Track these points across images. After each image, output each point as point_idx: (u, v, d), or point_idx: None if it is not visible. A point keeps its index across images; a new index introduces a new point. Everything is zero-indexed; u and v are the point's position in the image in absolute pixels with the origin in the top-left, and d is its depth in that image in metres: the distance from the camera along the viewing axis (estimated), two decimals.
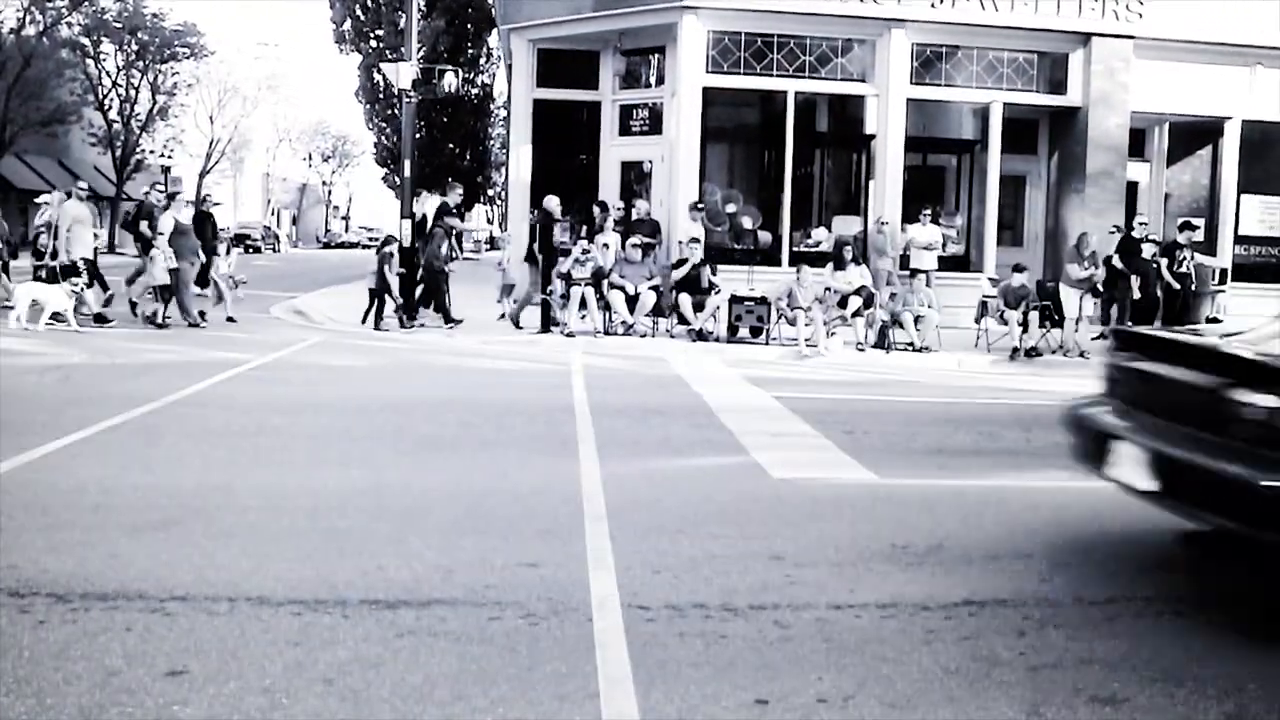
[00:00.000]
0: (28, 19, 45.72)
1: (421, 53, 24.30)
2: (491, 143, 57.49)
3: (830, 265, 17.51)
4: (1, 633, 4.46)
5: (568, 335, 16.83)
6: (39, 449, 7.94)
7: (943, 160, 23.42)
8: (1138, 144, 22.42)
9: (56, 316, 16.40)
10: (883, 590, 5.35)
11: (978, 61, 21.38)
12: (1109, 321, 17.82)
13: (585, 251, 17.48)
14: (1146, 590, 5.64)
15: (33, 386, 11.25)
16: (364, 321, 18.00)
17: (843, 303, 16.76)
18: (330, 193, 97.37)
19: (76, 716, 3.76)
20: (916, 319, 16.36)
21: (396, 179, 27.00)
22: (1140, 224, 18.68)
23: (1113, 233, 19.12)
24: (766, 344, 16.67)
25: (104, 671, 4.11)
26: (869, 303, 16.85)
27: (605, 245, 18.05)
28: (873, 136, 21.40)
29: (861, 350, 16.25)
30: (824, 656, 4.49)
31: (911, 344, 16.29)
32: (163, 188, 19.42)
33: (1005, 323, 16.54)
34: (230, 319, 18.09)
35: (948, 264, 20.62)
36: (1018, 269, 17.00)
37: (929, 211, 20.02)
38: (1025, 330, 16.34)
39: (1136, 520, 6.23)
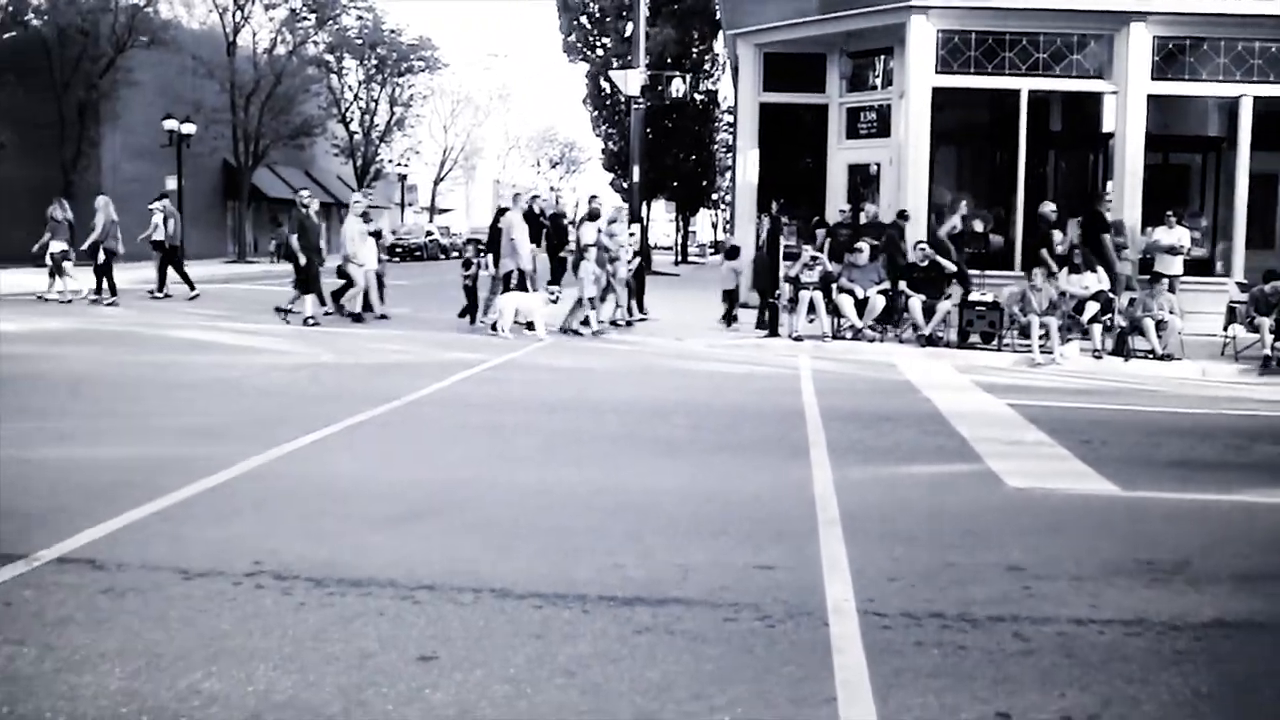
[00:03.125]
0: (279, 39, 48.34)
1: (648, 60, 24.64)
2: (716, 147, 57.76)
3: (1065, 269, 16.95)
4: (267, 613, 4.76)
5: (795, 339, 16.80)
6: (292, 443, 8.41)
7: (1186, 159, 22.40)
8: None
9: (530, 325, 17.34)
10: (1127, 607, 5.18)
11: (1225, 53, 20.37)
12: None
13: (814, 256, 17.41)
14: None
15: (284, 383, 11.91)
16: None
17: (1079, 308, 16.21)
18: (559, 199, 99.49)
19: (336, 695, 3.98)
20: (1158, 325, 15.69)
21: (624, 183, 27.41)
22: None
23: None
24: (998, 350, 16.28)
25: (359, 654, 4.34)
26: (1107, 308, 16.25)
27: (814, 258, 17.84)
28: (1110, 135, 20.65)
29: (1098, 357, 15.68)
30: (1067, 672, 4.38)
31: (1152, 351, 15.62)
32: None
33: (1255, 330, 15.69)
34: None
35: (1191, 268, 19.68)
36: (1271, 274, 16.10)
37: (1173, 213, 19.15)
38: (1278, 338, 15.47)
39: None
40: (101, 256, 21.99)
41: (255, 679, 4.08)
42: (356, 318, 18.74)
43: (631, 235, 19.36)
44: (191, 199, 43.03)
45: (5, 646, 4.32)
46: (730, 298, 19.34)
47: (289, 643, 4.44)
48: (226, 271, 37.99)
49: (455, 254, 60.16)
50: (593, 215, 18.08)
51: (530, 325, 17.20)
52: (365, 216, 19.53)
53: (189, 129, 40.72)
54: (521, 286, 17.74)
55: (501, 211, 19.06)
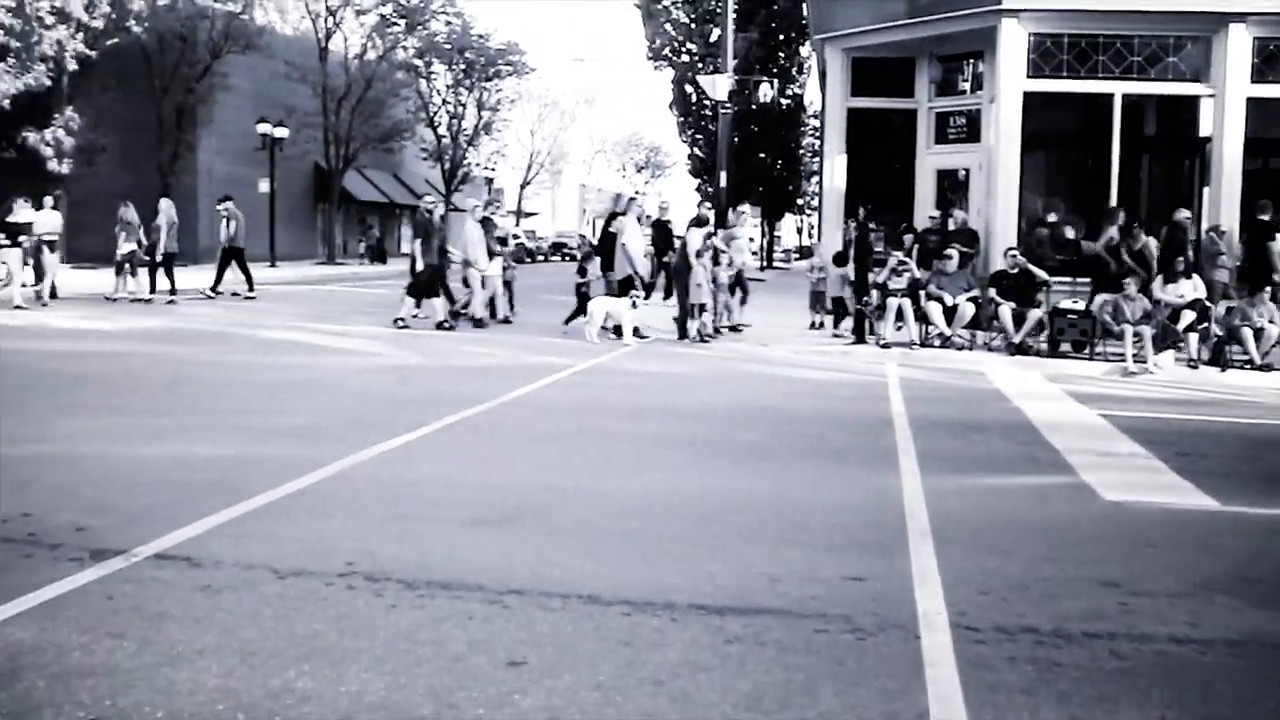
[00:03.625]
0: (369, 44, 49.05)
1: (735, 64, 24.61)
2: (802, 152, 57.56)
3: (1160, 277, 16.62)
4: (359, 614, 4.81)
5: (883, 346, 16.66)
6: (383, 444, 8.50)
7: None
8: None
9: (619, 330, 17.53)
10: (1230, 626, 5.05)
11: None
12: None
13: (902, 262, 17.26)
14: None
15: (375, 385, 12.06)
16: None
17: (1174, 316, 15.88)
18: (665, 206, 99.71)
19: (427, 697, 4.00)
20: (1257, 334, 15.32)
21: (710, 188, 27.39)
22: None
23: None
24: (1090, 359, 16.00)
25: (450, 657, 4.37)
26: (1203, 317, 15.89)
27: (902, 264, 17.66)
28: (1207, 139, 20.19)
29: (1194, 367, 15.34)
30: (1166, 692, 4.27)
31: (1250, 361, 15.26)
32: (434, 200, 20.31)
33: None
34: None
35: None
36: None
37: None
38: None
39: None
40: (160, 257, 22.53)
41: (347, 679, 4.12)
42: (478, 323, 18.81)
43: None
44: (283, 201, 43.81)
45: (106, 639, 4.41)
46: (838, 304, 19.18)
47: (380, 644, 4.48)
48: (317, 273, 38.61)
49: (541, 257, 60.63)
50: (699, 222, 18.03)
51: (618, 330, 17.25)
52: (487, 222, 19.60)
53: (281, 132, 41.47)
54: (627, 291, 17.77)
55: (614, 216, 19.12)
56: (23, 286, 20.48)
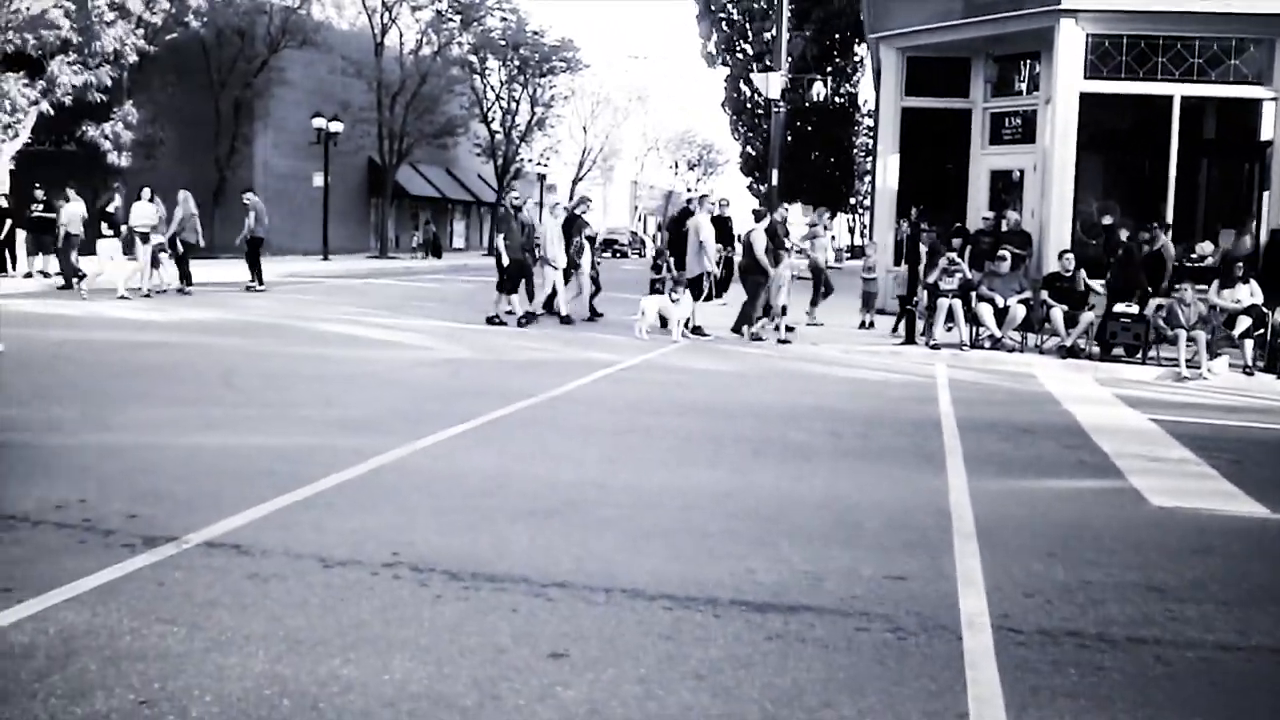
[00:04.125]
0: (424, 40, 49.37)
1: (789, 63, 24.56)
2: (855, 151, 57.33)
3: (1216, 282, 16.41)
4: (404, 603, 4.87)
5: (932, 347, 16.57)
6: (430, 436, 8.58)
7: None
8: None
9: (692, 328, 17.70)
10: (1277, 635, 5.00)
11: None
12: None
13: (953, 262, 17.16)
14: None
15: (427, 378, 12.15)
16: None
17: (1230, 322, 15.68)
18: (725, 203, 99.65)
19: (470, 687, 4.05)
20: None
21: (762, 186, 27.34)
22: None
23: None
24: (1143, 364, 15.82)
25: (494, 648, 4.41)
26: (1260, 323, 15.67)
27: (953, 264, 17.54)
28: (1269, 143, 19.92)
29: (1249, 374, 15.13)
30: (1211, 699, 4.25)
31: None
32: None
33: None
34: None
35: None
36: None
37: None
38: None
39: None
40: (180, 248, 22.73)
41: (392, 668, 4.18)
42: (565, 319, 18.84)
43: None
44: (337, 195, 44.22)
45: (156, 625, 4.50)
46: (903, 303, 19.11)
47: (425, 634, 4.54)
48: (369, 266, 38.91)
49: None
50: (759, 218, 18.00)
51: (697, 330, 17.34)
52: (575, 219, 19.61)
53: (336, 127, 41.82)
54: (698, 289, 17.81)
55: (686, 213, 19.14)
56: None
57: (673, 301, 17.33)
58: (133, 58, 32.07)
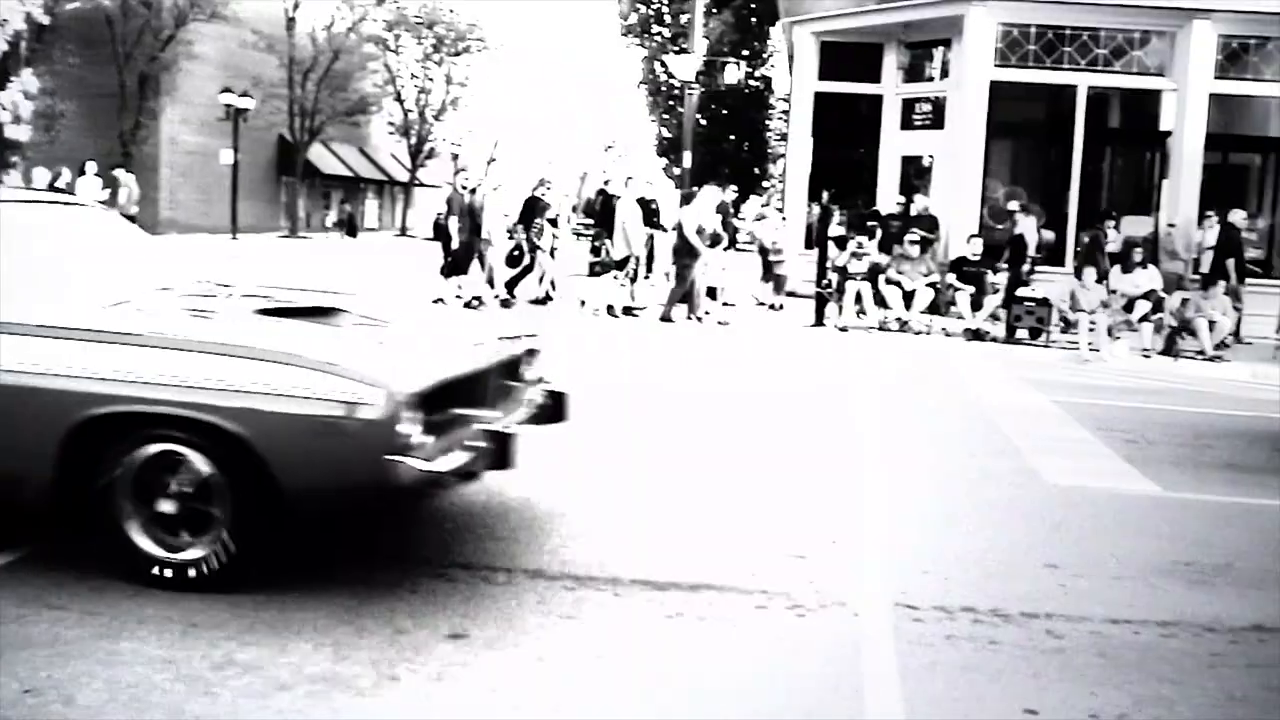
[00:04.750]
0: (338, 16, 48.66)
1: (705, 46, 24.59)
2: (770, 135, 57.54)
3: (1117, 267, 16.79)
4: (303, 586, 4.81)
5: (840, 330, 16.74)
6: None
7: (1245, 159, 22.07)
8: None
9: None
10: (1164, 608, 5.14)
11: None
12: None
13: (861, 245, 17.33)
14: None
15: None
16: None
17: (1129, 306, 16.05)
18: (609, 182, 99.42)
19: (369, 668, 4.03)
20: (1210, 326, 15.50)
21: (676, 169, 27.40)
22: None
23: None
24: (1046, 346, 16.15)
25: (393, 629, 4.40)
26: (1158, 307, 16.06)
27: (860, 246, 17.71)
28: (1168, 133, 20.36)
29: (1147, 357, 15.52)
30: (1099, 671, 4.37)
31: (1201, 352, 15.45)
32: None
33: None
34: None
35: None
36: None
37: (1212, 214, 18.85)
38: None
39: None
40: None
41: (289, 650, 4.15)
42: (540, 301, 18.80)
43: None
44: (246, 173, 43.51)
45: (46, 611, 4.40)
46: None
47: (322, 616, 4.50)
48: (279, 247, 38.31)
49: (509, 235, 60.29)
50: (688, 200, 17.97)
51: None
52: (537, 201, 19.34)
53: (246, 103, 41.13)
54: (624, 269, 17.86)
55: (609, 195, 19.08)
56: None
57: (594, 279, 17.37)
58: (19, 25, 31.10)
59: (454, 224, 18.27)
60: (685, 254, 17.11)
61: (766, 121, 55.23)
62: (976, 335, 16.34)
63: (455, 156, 63.39)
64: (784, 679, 4.16)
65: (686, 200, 17.81)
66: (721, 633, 4.56)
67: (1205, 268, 17.95)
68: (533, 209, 19.06)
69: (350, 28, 48.78)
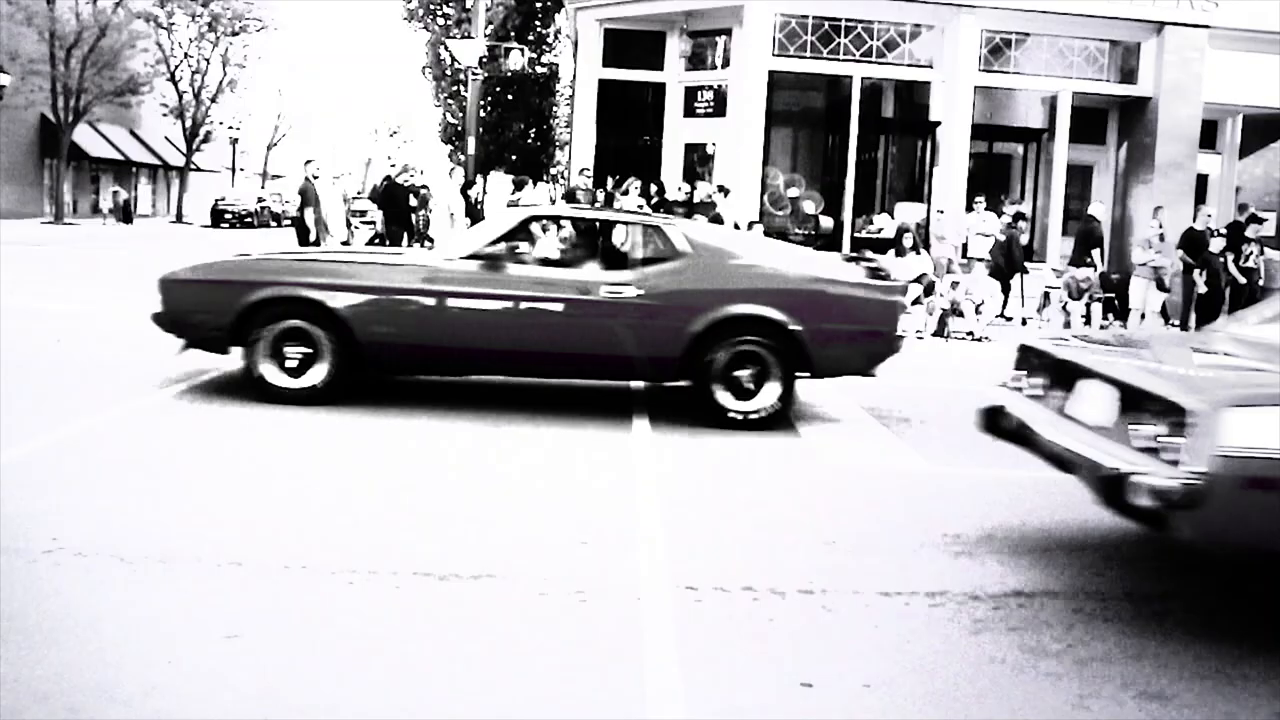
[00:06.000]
0: None
1: (489, 30, 24.39)
2: (556, 122, 57.56)
3: (891, 252, 17.40)
4: (65, 591, 4.60)
5: None
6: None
7: (1009, 149, 23.21)
8: (1209, 136, 22.07)
9: None
10: (932, 579, 5.34)
11: (1048, 49, 21.16)
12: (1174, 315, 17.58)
13: None
14: (1200, 587, 5.62)
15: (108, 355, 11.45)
16: None
17: (902, 290, 16.62)
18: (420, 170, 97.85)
19: (136, 675, 3.87)
20: (977, 308, 16.23)
21: (461, 155, 27.13)
22: (1205, 216, 18.30)
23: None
24: None
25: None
26: (929, 291, 16.73)
27: None
28: (938, 123, 21.24)
29: (920, 338, 16.14)
30: (871, 643, 4.51)
31: (971, 333, 16.16)
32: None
33: (1068, 314, 16.38)
34: None
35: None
36: (1082, 260, 16.82)
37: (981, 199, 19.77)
38: (1088, 322, 16.19)
39: None
40: None
41: (48, 660, 3.94)
42: None
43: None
44: (4, 154, 41.18)
45: None
46: None
47: (87, 621, 4.31)
48: (44, 234, 36.26)
49: (288, 222, 58.74)
50: (519, 186, 17.75)
51: None
52: (395, 188, 18.79)
53: (3, 80, 38.80)
54: None
55: (391, 183, 18.71)
56: None
57: None
58: None
59: (309, 215, 17.86)
60: None
61: (553, 108, 55.24)
62: None
63: (234, 142, 61.46)
64: (565, 663, 4.16)
65: (518, 187, 17.64)
66: (503, 620, 4.53)
67: (974, 252, 18.78)
68: (395, 196, 18.63)
69: (118, 2, 46.49)
